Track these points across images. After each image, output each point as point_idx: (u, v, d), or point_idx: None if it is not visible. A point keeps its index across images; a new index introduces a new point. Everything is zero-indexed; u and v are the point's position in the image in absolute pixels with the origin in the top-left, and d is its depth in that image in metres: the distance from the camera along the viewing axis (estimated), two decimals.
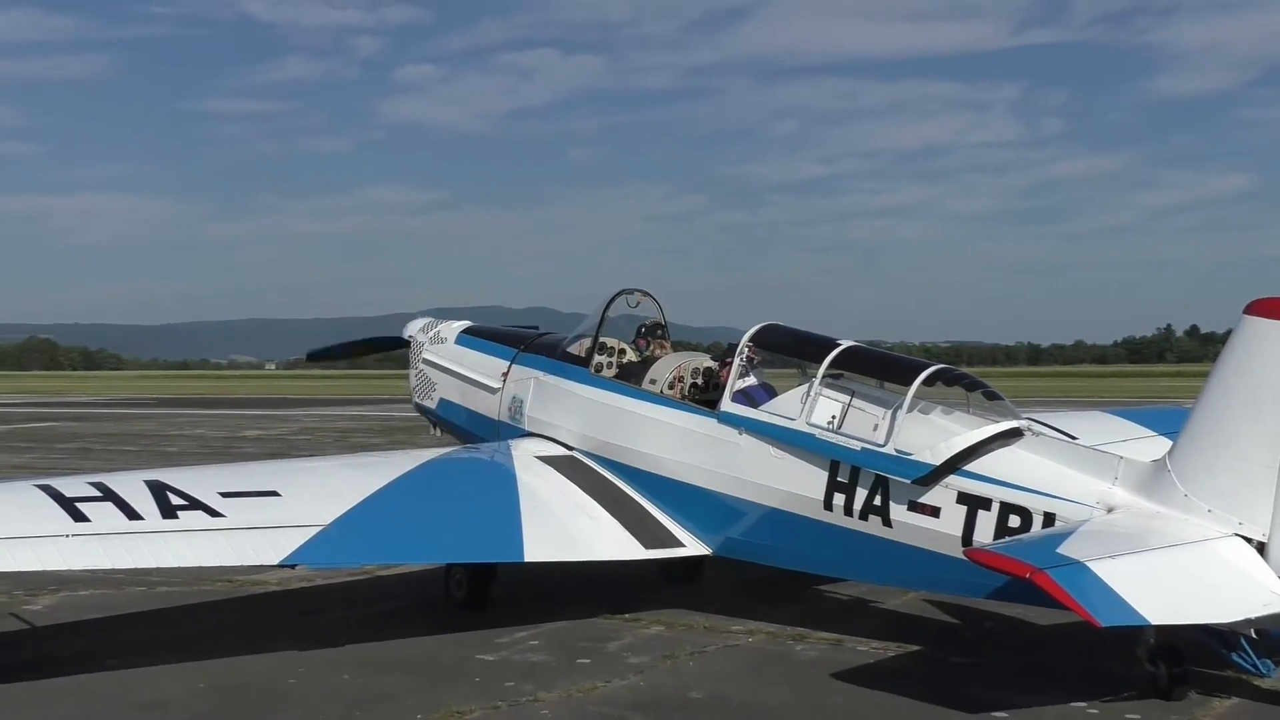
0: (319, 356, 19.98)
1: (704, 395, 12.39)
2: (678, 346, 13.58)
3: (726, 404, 11.84)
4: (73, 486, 10.27)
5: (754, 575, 12.71)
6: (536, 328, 15.31)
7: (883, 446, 10.56)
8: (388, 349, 17.40)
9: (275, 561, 10.25)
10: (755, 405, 11.69)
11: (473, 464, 13.26)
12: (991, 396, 10.97)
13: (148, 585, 13.53)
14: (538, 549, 11.26)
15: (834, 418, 11.01)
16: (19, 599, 12.93)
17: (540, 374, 13.81)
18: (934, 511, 10.21)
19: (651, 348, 13.46)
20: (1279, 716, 8.81)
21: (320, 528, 10.38)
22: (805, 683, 9.77)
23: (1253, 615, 8.65)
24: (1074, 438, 12.05)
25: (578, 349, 13.68)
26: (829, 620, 11.83)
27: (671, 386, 12.64)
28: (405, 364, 16.67)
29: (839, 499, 10.77)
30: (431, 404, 15.76)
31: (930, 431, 10.48)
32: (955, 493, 10.13)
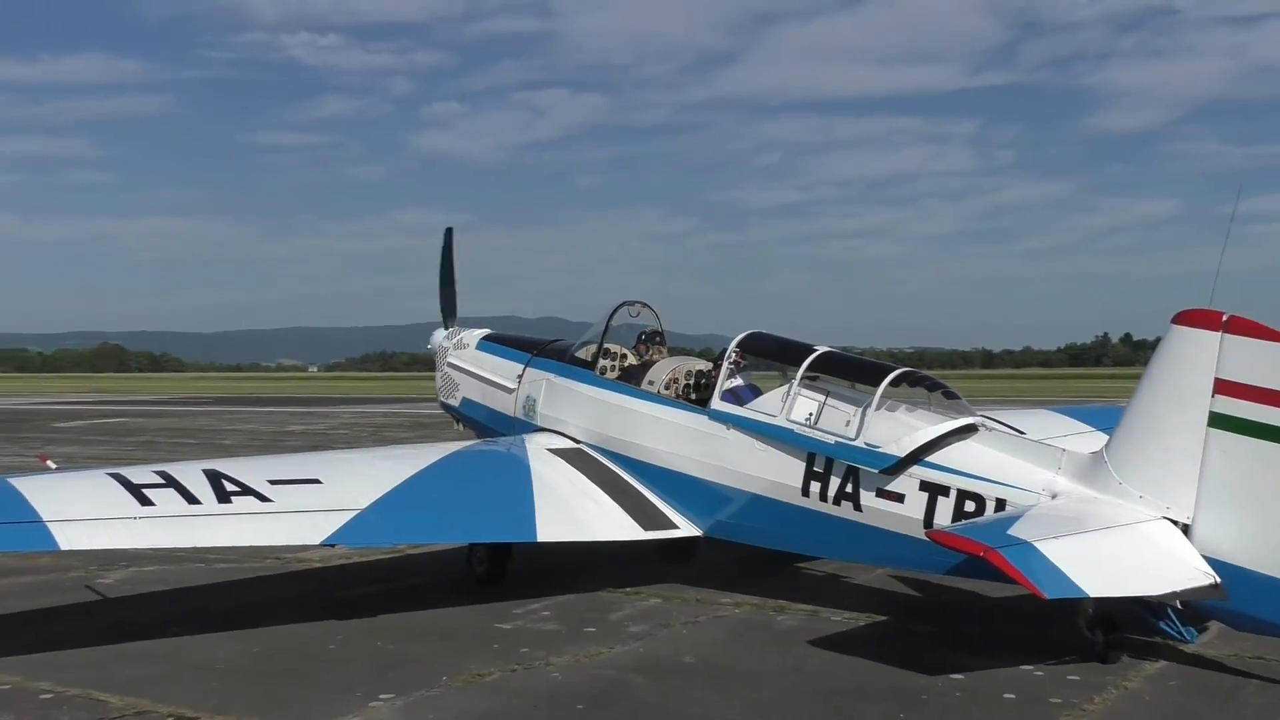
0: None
1: (696, 395, 12.36)
2: (673, 352, 13.56)
3: (716, 402, 11.83)
4: (140, 475, 10.29)
5: (740, 554, 12.66)
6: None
7: (854, 440, 10.55)
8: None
9: (317, 541, 10.27)
10: (741, 403, 11.69)
11: (491, 455, 13.25)
12: (950, 396, 10.97)
13: (205, 562, 13.51)
14: (549, 530, 11.26)
15: (811, 415, 11.00)
16: (93, 573, 12.96)
17: (551, 376, 13.81)
18: (899, 498, 10.20)
19: (650, 353, 13.46)
20: (1201, 678, 8.81)
21: (357, 511, 10.39)
22: (785, 648, 9.78)
23: (1178, 589, 8.71)
24: (1022, 432, 12.04)
25: (585, 354, 13.69)
26: (806, 594, 11.82)
27: (667, 387, 12.63)
28: (433, 367, 16.68)
29: (815, 486, 10.76)
30: (455, 402, 15.77)
31: (896, 427, 10.47)
32: (918, 481, 10.13)
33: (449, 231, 17.40)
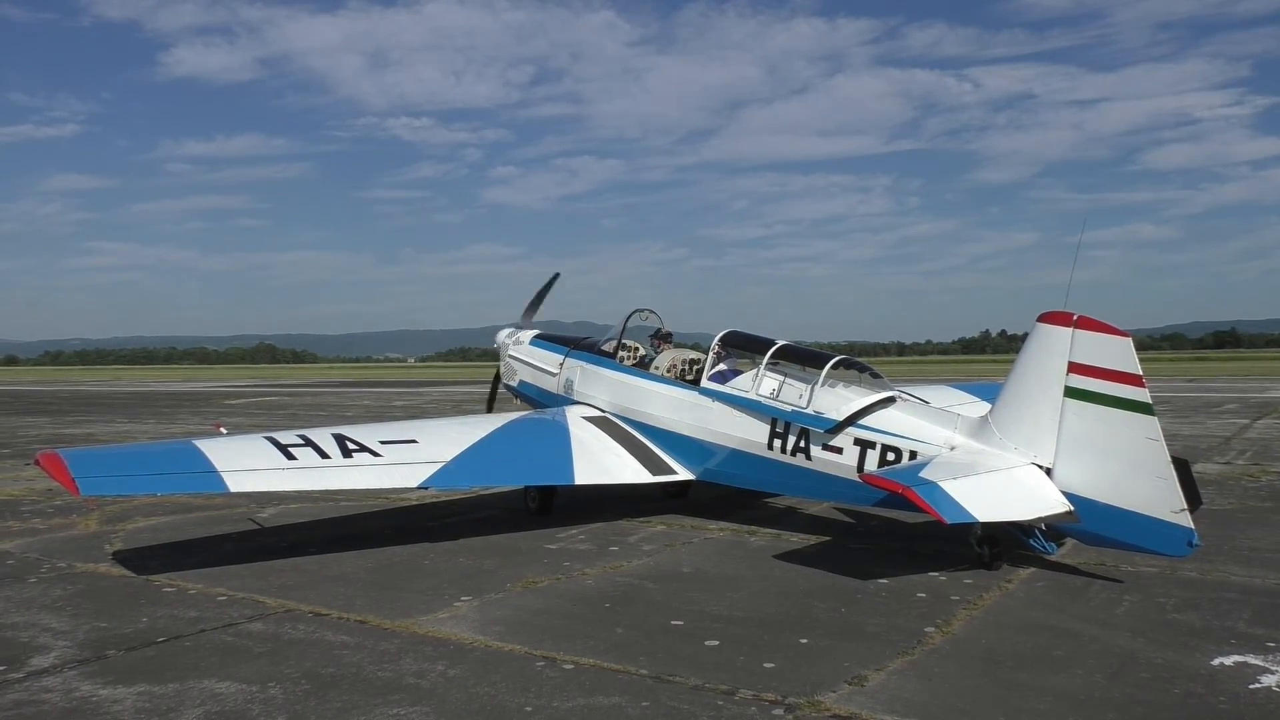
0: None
1: (690, 377, 12.31)
2: (674, 345, 13.49)
3: (704, 382, 11.77)
4: (286, 437, 10.28)
5: (722, 493, 12.65)
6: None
7: (805, 409, 10.50)
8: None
9: (415, 485, 10.21)
10: (723, 383, 11.61)
11: (541, 422, 13.19)
12: (875, 376, 10.90)
13: (334, 501, 13.53)
14: (583, 476, 11.21)
15: (774, 390, 10.94)
16: (254, 509, 12.99)
17: (584, 364, 13.74)
18: (839, 450, 10.16)
19: (657, 346, 13.40)
20: (1060, 580, 8.77)
21: (444, 463, 10.35)
22: (756, 561, 9.74)
23: (1043, 515, 8.66)
24: (927, 402, 11.99)
25: (608, 347, 13.59)
26: (771, 521, 11.77)
27: (669, 371, 12.57)
28: (498, 358, 16.63)
29: (777, 443, 10.71)
30: (514, 384, 15.71)
31: (835, 399, 10.41)
32: (852, 438, 10.08)
33: (555, 275, 16.59)
